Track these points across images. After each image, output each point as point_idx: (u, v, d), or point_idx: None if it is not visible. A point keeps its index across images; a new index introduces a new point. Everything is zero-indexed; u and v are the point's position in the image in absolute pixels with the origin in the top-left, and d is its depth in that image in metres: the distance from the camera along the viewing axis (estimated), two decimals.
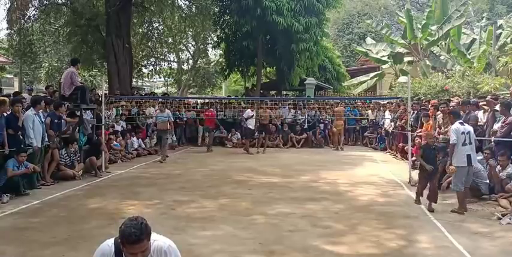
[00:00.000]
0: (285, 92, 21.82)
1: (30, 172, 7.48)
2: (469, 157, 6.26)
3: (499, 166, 6.98)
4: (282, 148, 15.10)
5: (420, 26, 19.68)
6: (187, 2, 20.70)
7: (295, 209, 6.36)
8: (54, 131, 8.58)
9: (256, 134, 14.23)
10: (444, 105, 9.59)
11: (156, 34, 21.92)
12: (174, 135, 15.14)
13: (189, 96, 29.07)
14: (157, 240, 2.54)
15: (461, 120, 6.70)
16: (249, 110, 14.00)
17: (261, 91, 18.72)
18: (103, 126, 10.55)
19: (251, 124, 13.88)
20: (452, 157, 6.33)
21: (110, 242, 2.54)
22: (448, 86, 12.79)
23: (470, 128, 6.54)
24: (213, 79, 30.37)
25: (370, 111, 16.05)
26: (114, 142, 11.42)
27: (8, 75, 29.30)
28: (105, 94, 12.17)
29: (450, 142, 6.48)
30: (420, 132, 10.39)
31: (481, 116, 8.19)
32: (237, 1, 15.82)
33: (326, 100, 16.85)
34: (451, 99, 10.19)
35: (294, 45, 15.91)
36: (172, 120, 12.85)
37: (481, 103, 8.58)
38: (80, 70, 11.75)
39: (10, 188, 7.02)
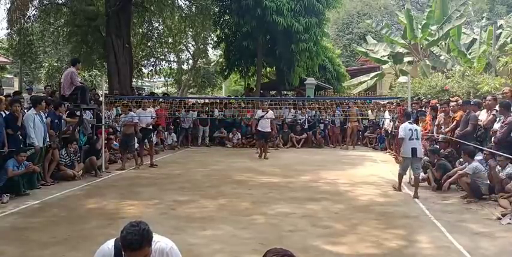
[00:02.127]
0: (285, 92, 21.82)
1: (31, 171, 7.48)
2: (414, 149, 7.43)
3: (498, 166, 6.98)
4: (282, 148, 15.09)
5: (420, 26, 19.68)
6: (187, 2, 20.72)
7: (295, 209, 6.36)
8: (54, 131, 8.58)
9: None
10: (445, 105, 9.63)
11: (156, 34, 21.92)
12: (175, 135, 15.17)
13: (189, 96, 29.07)
14: (160, 241, 2.53)
15: (410, 121, 7.86)
16: (260, 110, 12.73)
17: (261, 91, 18.72)
18: (103, 126, 10.54)
19: (262, 126, 12.28)
20: (401, 149, 7.60)
21: (110, 244, 2.53)
22: (448, 86, 12.80)
23: (418, 127, 7.83)
24: (213, 79, 30.37)
25: (370, 111, 16.07)
26: (114, 142, 11.42)
27: (8, 75, 29.29)
28: (105, 94, 12.16)
29: (398, 137, 7.89)
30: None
31: (484, 116, 8.18)
32: (237, 1, 15.81)
33: (325, 100, 16.86)
34: (451, 99, 10.22)
35: (293, 45, 15.90)
36: (136, 121, 10.48)
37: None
38: (80, 70, 11.69)
39: (10, 188, 7.02)
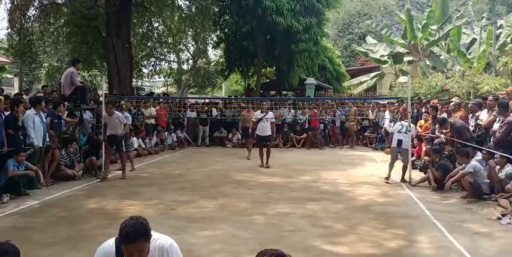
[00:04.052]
0: (285, 92, 21.81)
1: (34, 175, 7.51)
2: (399, 141, 8.55)
3: (498, 165, 6.98)
4: (282, 148, 15.08)
5: (420, 26, 19.67)
6: (187, 2, 20.70)
7: (295, 209, 6.36)
8: (54, 131, 8.58)
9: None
10: (447, 105, 9.72)
11: (156, 34, 21.89)
12: (175, 135, 15.17)
13: (189, 96, 29.09)
14: (160, 239, 2.54)
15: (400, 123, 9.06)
16: (258, 111, 11.25)
17: (261, 91, 18.73)
18: (103, 126, 10.53)
19: (261, 130, 10.76)
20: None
21: (111, 242, 2.54)
22: (448, 86, 12.80)
23: (406, 123, 8.73)
24: (213, 79, 30.37)
25: (370, 111, 16.09)
26: None
27: (8, 75, 29.27)
28: (105, 94, 12.15)
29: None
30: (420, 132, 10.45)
31: (485, 116, 8.19)
32: (237, 1, 15.82)
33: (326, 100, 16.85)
34: (451, 99, 10.24)
35: (293, 45, 15.92)
36: (125, 121, 9.76)
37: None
38: (80, 70, 11.65)
39: (10, 188, 7.02)
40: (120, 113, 9.51)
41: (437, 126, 9.32)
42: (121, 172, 9.31)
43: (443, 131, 9.04)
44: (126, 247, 2.33)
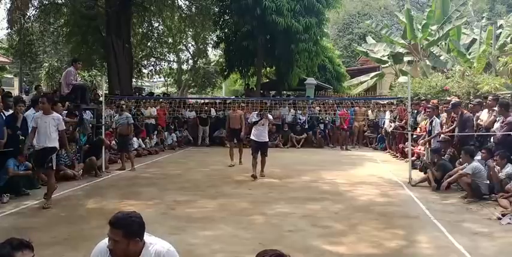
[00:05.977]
0: (285, 92, 21.82)
1: (34, 177, 7.52)
2: None
3: (496, 165, 6.98)
4: (282, 148, 15.08)
5: (420, 26, 19.68)
6: (187, 2, 20.72)
7: (295, 209, 6.36)
8: None
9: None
10: (447, 105, 9.72)
11: (156, 34, 21.93)
12: (175, 135, 15.17)
13: (189, 96, 29.10)
14: (156, 244, 2.49)
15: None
16: (254, 113, 9.65)
17: (261, 91, 18.72)
18: (103, 126, 10.54)
19: (256, 134, 9.20)
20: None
21: (107, 240, 2.54)
22: (448, 86, 12.81)
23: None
24: (213, 79, 30.38)
25: (370, 111, 16.09)
26: (114, 142, 11.41)
27: (8, 75, 29.27)
28: (105, 94, 12.15)
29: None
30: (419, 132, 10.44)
31: (485, 116, 8.20)
32: (237, 1, 15.83)
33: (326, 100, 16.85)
34: (450, 99, 10.25)
35: (293, 45, 15.92)
36: (132, 122, 10.59)
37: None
38: (79, 69, 11.63)
39: (10, 188, 7.02)
40: (59, 114, 7.02)
41: (444, 114, 9.38)
42: (121, 171, 9.28)
43: (443, 130, 9.03)
44: (109, 232, 2.37)
